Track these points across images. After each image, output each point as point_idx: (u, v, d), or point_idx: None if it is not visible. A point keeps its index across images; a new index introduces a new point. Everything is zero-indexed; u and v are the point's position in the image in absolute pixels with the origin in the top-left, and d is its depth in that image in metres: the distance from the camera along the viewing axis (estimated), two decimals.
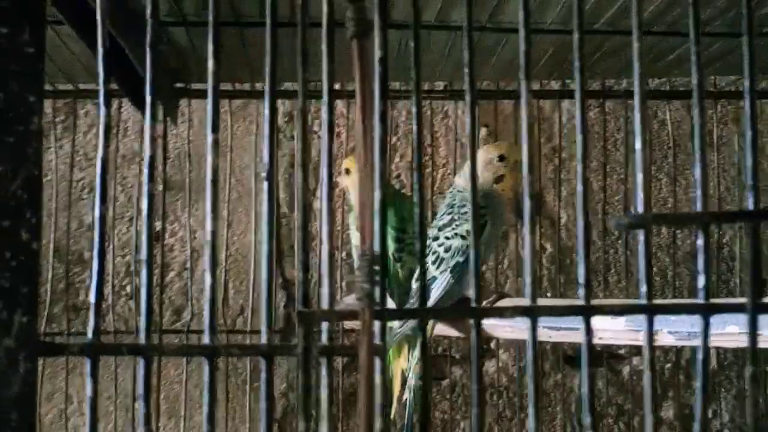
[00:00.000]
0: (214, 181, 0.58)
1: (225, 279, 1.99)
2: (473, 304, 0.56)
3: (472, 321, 0.55)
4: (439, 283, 1.44)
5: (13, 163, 0.56)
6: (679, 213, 0.46)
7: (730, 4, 1.29)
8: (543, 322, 1.33)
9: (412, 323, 1.43)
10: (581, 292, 0.55)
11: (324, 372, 0.55)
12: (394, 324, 1.45)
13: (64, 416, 1.91)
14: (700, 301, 0.53)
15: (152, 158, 0.58)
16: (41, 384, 1.79)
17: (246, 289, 2.02)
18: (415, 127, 0.57)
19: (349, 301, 1.65)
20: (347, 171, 1.65)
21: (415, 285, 1.49)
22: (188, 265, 2.02)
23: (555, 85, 1.92)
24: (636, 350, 2.08)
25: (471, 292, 1.48)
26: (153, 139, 0.58)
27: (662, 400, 2.11)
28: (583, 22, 0.57)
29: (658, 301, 0.54)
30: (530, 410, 0.54)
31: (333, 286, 0.57)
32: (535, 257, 0.55)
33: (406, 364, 1.52)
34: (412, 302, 1.46)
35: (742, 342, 0.92)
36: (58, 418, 1.94)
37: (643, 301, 0.54)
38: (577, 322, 1.26)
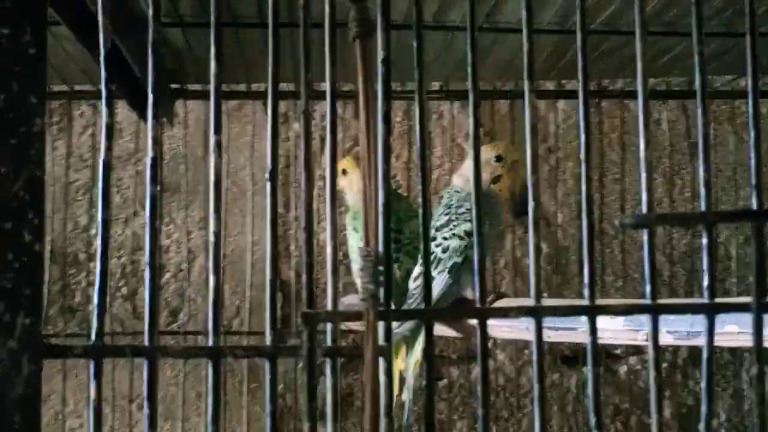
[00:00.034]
0: (217, 183, 0.57)
1: (221, 280, 1.98)
2: (478, 305, 0.56)
3: (476, 321, 0.55)
4: (437, 283, 1.44)
5: (15, 164, 0.56)
6: (683, 213, 0.46)
7: (727, 4, 1.30)
8: (543, 321, 1.33)
9: (409, 324, 1.43)
10: (586, 292, 0.55)
11: (328, 373, 0.55)
12: (394, 324, 1.45)
13: (61, 417, 1.91)
14: (705, 300, 0.53)
15: (154, 160, 0.58)
16: None
17: (242, 290, 2.01)
18: (417, 129, 0.57)
19: (347, 302, 1.65)
20: (344, 172, 1.65)
21: (412, 285, 1.49)
22: (184, 266, 2.02)
23: (550, 85, 1.92)
24: (633, 350, 2.09)
25: (469, 293, 1.48)
26: (155, 141, 0.58)
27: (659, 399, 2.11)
28: (585, 22, 0.57)
29: (662, 301, 0.54)
30: (535, 411, 0.54)
31: (336, 288, 0.56)
32: (539, 258, 0.55)
33: (403, 365, 1.51)
34: (410, 303, 1.46)
35: (741, 341, 0.92)
36: (54, 420, 1.94)
37: (648, 301, 0.54)
38: (576, 322, 1.27)
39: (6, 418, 0.54)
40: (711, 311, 0.53)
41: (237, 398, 1.98)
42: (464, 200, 1.45)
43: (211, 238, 0.57)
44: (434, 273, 1.44)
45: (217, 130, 0.58)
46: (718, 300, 0.53)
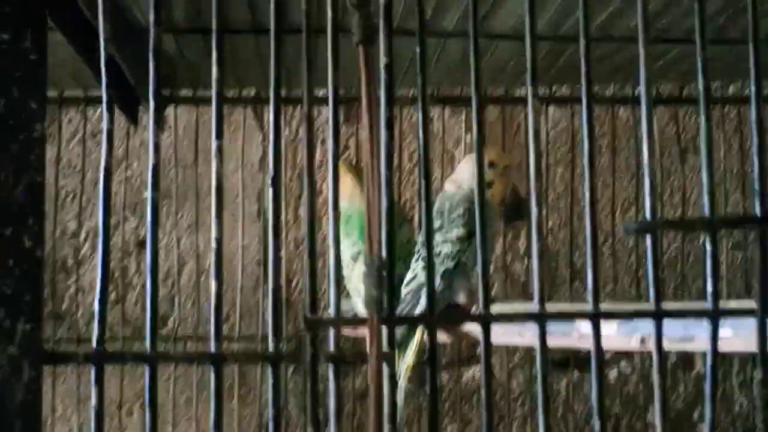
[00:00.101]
0: (219, 188, 0.57)
1: (210, 287, 1.97)
2: (480, 310, 0.56)
3: (480, 327, 0.55)
4: None
5: (15, 169, 0.56)
6: (687, 219, 0.46)
7: (719, 11, 1.30)
8: (535, 327, 1.33)
9: (400, 329, 1.42)
10: (590, 297, 0.55)
11: (331, 379, 0.55)
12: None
13: (50, 422, 1.90)
14: (709, 305, 0.53)
15: (155, 166, 0.58)
16: None
17: (232, 295, 2.01)
18: (420, 134, 0.57)
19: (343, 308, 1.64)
20: None
21: (404, 291, 1.49)
22: (173, 272, 2.01)
23: (539, 91, 1.92)
24: (623, 355, 2.09)
25: (461, 298, 1.48)
26: (156, 147, 0.58)
27: (649, 404, 2.11)
28: (588, 28, 0.57)
29: (666, 306, 0.54)
30: (540, 416, 0.54)
31: (339, 293, 0.56)
32: (543, 263, 0.55)
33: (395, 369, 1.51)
34: (402, 308, 1.46)
35: (736, 346, 0.92)
36: (42, 426, 1.93)
37: (652, 306, 0.54)
38: (569, 326, 1.26)
39: (6, 425, 0.54)
40: (716, 316, 0.53)
41: (227, 403, 1.97)
42: (456, 206, 1.45)
43: (213, 244, 0.57)
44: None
45: (219, 136, 0.58)
46: (724, 305, 0.53)
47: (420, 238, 1.50)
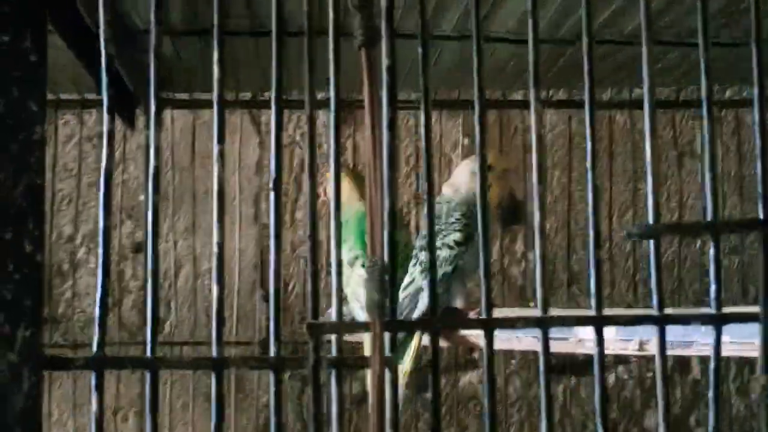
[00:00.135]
0: (221, 192, 0.57)
1: (206, 291, 1.97)
2: (483, 314, 0.56)
3: (483, 332, 0.54)
4: (427, 293, 1.43)
5: (15, 172, 0.55)
6: (690, 223, 0.46)
7: (715, 14, 1.30)
8: (532, 332, 1.33)
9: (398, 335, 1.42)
10: (593, 302, 0.54)
11: (333, 384, 0.55)
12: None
13: (46, 427, 1.89)
14: (712, 310, 0.53)
15: (156, 168, 0.57)
16: None
17: (229, 300, 2.00)
18: (423, 136, 0.57)
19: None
20: None
21: (401, 295, 1.48)
22: (170, 276, 2.01)
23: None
24: (620, 359, 2.09)
25: (458, 302, 1.47)
26: (157, 150, 0.57)
27: (644, 410, 2.11)
28: (591, 26, 0.57)
29: (669, 311, 0.54)
30: (543, 422, 0.54)
31: (340, 298, 0.56)
32: (545, 267, 0.54)
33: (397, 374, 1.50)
34: (400, 312, 1.45)
35: (733, 351, 0.92)
36: None
37: (655, 312, 0.54)
38: (567, 332, 1.26)
39: (7, 431, 0.53)
40: (719, 322, 0.52)
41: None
42: (454, 210, 1.44)
43: (215, 248, 0.57)
44: (423, 283, 1.44)
45: (221, 140, 0.58)
46: (727, 310, 0.53)
47: (418, 242, 1.49)
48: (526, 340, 1.36)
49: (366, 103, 0.55)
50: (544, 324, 0.54)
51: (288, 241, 2.00)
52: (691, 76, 1.67)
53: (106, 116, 0.58)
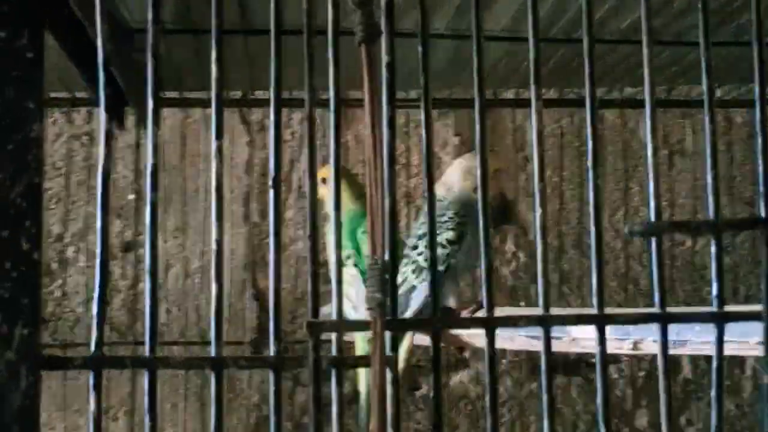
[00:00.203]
0: (219, 189, 0.56)
1: (196, 290, 1.96)
2: (484, 313, 0.55)
3: (485, 331, 0.54)
4: (419, 292, 1.43)
5: (12, 170, 0.55)
6: (692, 221, 0.46)
7: (711, 14, 1.30)
8: (525, 331, 1.33)
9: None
10: (594, 301, 0.54)
11: (333, 382, 0.54)
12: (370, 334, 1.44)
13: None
14: (714, 309, 0.53)
15: (154, 167, 0.57)
16: None
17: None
18: (424, 135, 0.57)
19: (327, 311, 1.63)
20: (324, 180, 1.63)
21: None
22: (160, 275, 2.00)
23: (527, 94, 1.91)
24: (610, 359, 2.09)
25: (451, 302, 1.47)
26: (155, 148, 0.57)
27: (636, 409, 2.11)
28: (592, 27, 0.56)
29: (671, 310, 0.54)
30: (545, 422, 0.54)
31: (340, 297, 0.56)
32: (547, 267, 0.54)
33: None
34: None
35: (728, 350, 0.92)
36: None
37: (657, 310, 0.53)
38: (561, 331, 1.26)
39: (4, 430, 0.53)
40: (721, 320, 0.52)
41: (210, 408, 1.96)
42: (446, 209, 1.44)
43: (214, 246, 0.56)
44: (416, 282, 1.44)
45: (219, 136, 0.57)
46: (729, 308, 0.53)
47: (410, 242, 1.49)
48: (519, 340, 1.35)
49: (366, 100, 0.54)
50: (545, 323, 0.54)
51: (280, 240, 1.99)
52: (683, 75, 1.67)
53: (103, 115, 0.58)
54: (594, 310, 0.54)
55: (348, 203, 1.55)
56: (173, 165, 1.98)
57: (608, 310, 0.54)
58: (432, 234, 0.57)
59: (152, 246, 0.56)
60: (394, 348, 0.55)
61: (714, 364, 0.52)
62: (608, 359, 1.69)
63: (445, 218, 1.44)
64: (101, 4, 0.57)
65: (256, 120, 2.06)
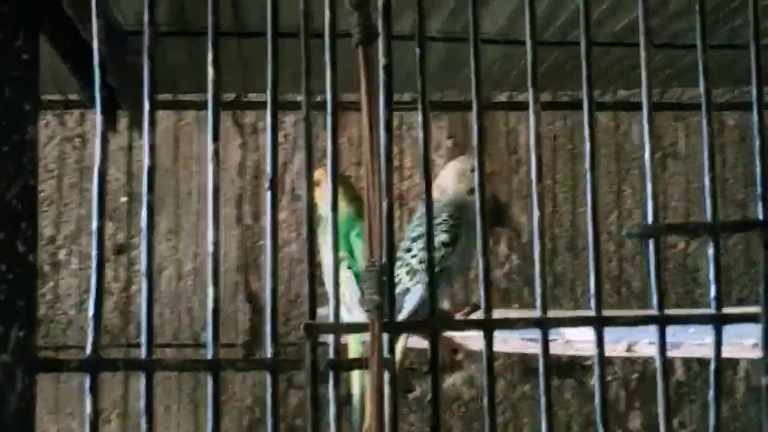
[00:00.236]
0: (216, 191, 0.56)
1: (189, 293, 1.96)
2: (482, 315, 0.55)
3: (483, 333, 0.54)
4: (413, 295, 1.43)
5: (8, 172, 0.55)
6: (691, 223, 0.46)
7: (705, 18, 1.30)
8: (521, 333, 1.33)
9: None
10: (592, 303, 0.54)
11: (331, 384, 0.54)
12: (365, 337, 1.44)
13: None
14: (712, 311, 0.53)
15: (151, 168, 0.57)
16: None
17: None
18: (421, 137, 0.57)
19: (322, 313, 1.63)
20: (317, 183, 1.63)
21: None
22: (142, 278, 1.99)
23: (520, 97, 1.92)
24: (604, 361, 2.08)
25: (445, 304, 1.47)
26: (152, 149, 0.57)
27: (629, 411, 2.11)
28: (590, 30, 0.56)
29: (669, 312, 0.54)
30: (543, 424, 0.54)
31: (338, 299, 0.56)
32: (545, 269, 0.54)
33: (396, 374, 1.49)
34: None
35: (723, 352, 0.92)
36: None
37: (655, 312, 0.53)
38: (555, 333, 1.26)
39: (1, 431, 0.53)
40: (719, 322, 0.52)
41: (203, 410, 1.95)
42: (441, 211, 1.44)
43: (210, 248, 0.56)
44: (410, 284, 1.43)
45: (216, 138, 0.57)
46: (727, 310, 0.53)
47: (403, 244, 1.49)
48: (513, 342, 1.35)
49: (363, 102, 0.54)
50: (544, 325, 0.54)
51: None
52: (677, 78, 1.68)
53: (99, 117, 0.57)
54: (591, 312, 0.54)
55: (341, 206, 1.54)
56: (166, 167, 1.97)
57: (605, 313, 0.54)
58: (429, 235, 0.57)
59: (148, 248, 0.56)
60: (391, 350, 0.54)
61: (712, 366, 0.52)
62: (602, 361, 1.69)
63: (439, 220, 1.44)
64: (97, 6, 0.57)
65: (249, 122, 2.06)
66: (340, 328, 0.54)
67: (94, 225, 0.56)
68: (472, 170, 1.45)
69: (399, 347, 1.46)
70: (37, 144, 0.56)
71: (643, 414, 2.11)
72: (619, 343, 1.19)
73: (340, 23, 0.57)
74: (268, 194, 0.56)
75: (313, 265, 0.55)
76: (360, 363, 0.55)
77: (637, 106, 1.84)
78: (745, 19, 1.31)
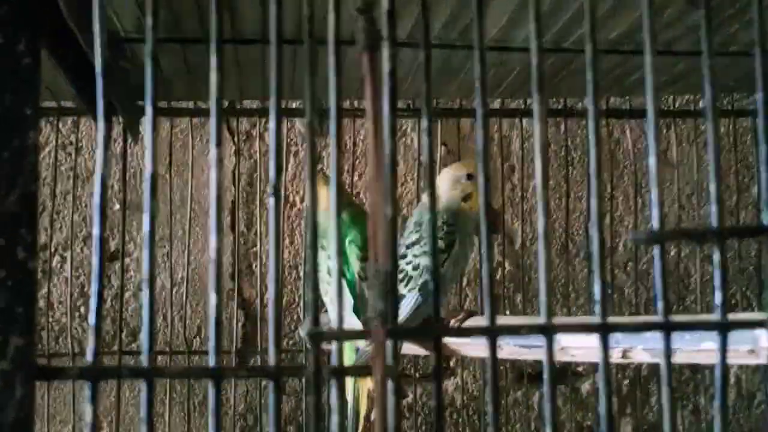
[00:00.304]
0: (219, 197, 0.56)
1: (182, 300, 1.95)
2: (486, 323, 0.55)
3: (486, 340, 0.54)
4: (408, 301, 1.43)
5: (8, 178, 0.54)
6: (696, 228, 0.46)
7: (695, 27, 1.31)
8: (516, 340, 1.33)
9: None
10: (597, 309, 0.54)
11: (334, 393, 0.54)
12: (361, 343, 1.44)
13: None
14: (717, 317, 0.53)
15: (153, 175, 0.56)
16: None
17: (204, 310, 1.99)
18: (426, 144, 0.56)
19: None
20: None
21: None
22: (143, 285, 1.98)
23: (512, 104, 1.92)
24: (595, 368, 2.09)
25: (441, 311, 1.47)
26: (153, 156, 0.56)
27: (620, 417, 2.11)
28: (595, 38, 0.56)
29: (674, 318, 0.54)
30: (547, 430, 0.53)
31: (341, 306, 0.55)
32: (550, 275, 0.54)
33: (373, 384, 1.50)
34: None
35: (715, 359, 0.92)
36: None
37: (660, 318, 0.53)
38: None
39: None
40: (724, 328, 0.52)
41: (198, 419, 1.95)
42: (436, 217, 1.44)
43: (213, 255, 0.56)
44: (405, 291, 1.44)
45: (219, 143, 0.57)
46: (733, 317, 0.52)
47: (399, 251, 1.49)
48: (507, 348, 1.35)
49: (368, 108, 0.54)
50: (548, 331, 0.53)
51: (265, 250, 1.99)
52: (672, 85, 1.68)
53: (102, 124, 0.57)
54: (595, 319, 0.54)
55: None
56: (159, 174, 1.97)
57: (612, 319, 0.54)
58: (434, 241, 0.56)
59: (150, 255, 0.55)
60: (395, 357, 0.54)
61: (717, 373, 0.52)
62: (594, 368, 1.70)
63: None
64: (101, 13, 0.56)
65: (243, 130, 2.06)
66: (343, 335, 0.54)
67: (95, 232, 0.55)
68: (467, 177, 1.46)
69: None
70: (37, 149, 0.56)
71: (634, 421, 2.11)
72: (614, 349, 1.19)
73: (344, 28, 0.57)
74: (270, 201, 0.55)
75: (316, 271, 0.54)
76: (365, 370, 0.55)
77: (631, 114, 1.85)
78: (737, 28, 1.32)
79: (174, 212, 1.93)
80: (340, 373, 0.54)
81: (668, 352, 0.52)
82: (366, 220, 1.57)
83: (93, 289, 0.55)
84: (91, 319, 0.55)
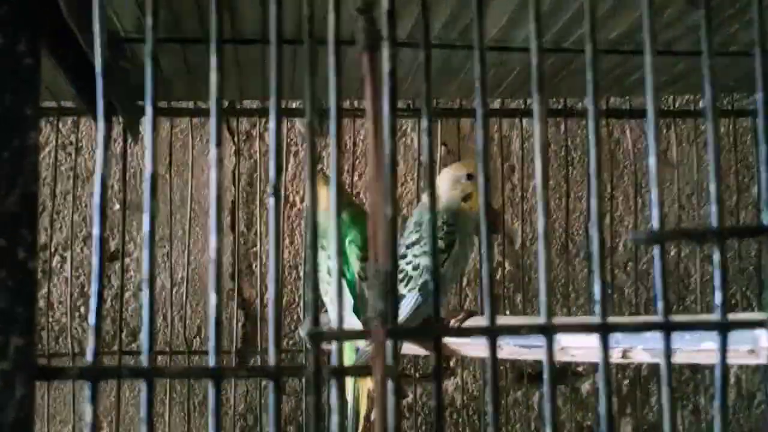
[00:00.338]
0: (219, 197, 0.56)
1: (181, 300, 1.95)
2: (487, 323, 0.55)
3: (487, 340, 0.54)
4: (408, 301, 1.43)
5: (8, 178, 0.54)
6: (696, 228, 0.46)
7: (695, 27, 1.31)
8: (516, 340, 1.33)
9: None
10: (597, 309, 0.54)
11: (334, 393, 0.54)
12: (361, 343, 1.44)
13: None
14: (717, 317, 0.53)
15: (153, 175, 0.56)
16: None
17: (203, 310, 1.99)
18: (426, 145, 0.56)
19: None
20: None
21: None
22: (144, 285, 1.98)
23: (512, 104, 1.92)
24: (595, 368, 2.09)
25: (441, 311, 1.47)
26: (154, 156, 0.56)
27: (620, 417, 2.11)
28: (595, 38, 0.56)
29: (675, 318, 0.54)
30: (547, 430, 0.53)
31: (341, 306, 0.55)
32: (550, 274, 0.54)
33: (372, 384, 1.50)
34: None
35: (715, 359, 0.92)
36: None
37: (660, 318, 0.53)
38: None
39: None
40: (725, 328, 0.52)
41: (197, 418, 1.95)
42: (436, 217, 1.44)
43: (213, 255, 0.56)
44: (405, 291, 1.44)
45: (219, 143, 0.57)
46: (733, 317, 0.52)
47: (399, 251, 1.49)
48: (507, 348, 1.35)
49: (368, 108, 0.54)
50: (548, 331, 0.53)
51: (264, 250, 1.99)
52: (672, 85, 1.68)
53: (101, 124, 0.57)
54: (595, 319, 0.54)
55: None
56: (159, 174, 1.97)
57: (612, 319, 0.54)
58: (434, 240, 0.56)
59: (150, 255, 0.55)
60: (395, 357, 0.54)
61: (717, 373, 0.52)
62: (594, 368, 1.70)
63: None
64: (101, 13, 0.56)
65: (242, 130, 2.06)
66: (343, 335, 0.54)
67: (95, 232, 0.55)
68: (467, 177, 1.46)
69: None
70: (38, 150, 0.55)
71: (634, 421, 2.11)
72: (614, 349, 1.19)
73: (342, 28, 0.57)
74: (270, 201, 0.55)
75: (316, 271, 0.54)
76: (365, 370, 0.55)
77: (631, 114, 1.85)
78: (737, 28, 1.32)
79: (174, 212, 1.93)
80: (340, 373, 0.54)
81: (668, 352, 0.52)
82: (366, 220, 1.57)
83: (93, 289, 0.55)
84: (91, 319, 0.55)
